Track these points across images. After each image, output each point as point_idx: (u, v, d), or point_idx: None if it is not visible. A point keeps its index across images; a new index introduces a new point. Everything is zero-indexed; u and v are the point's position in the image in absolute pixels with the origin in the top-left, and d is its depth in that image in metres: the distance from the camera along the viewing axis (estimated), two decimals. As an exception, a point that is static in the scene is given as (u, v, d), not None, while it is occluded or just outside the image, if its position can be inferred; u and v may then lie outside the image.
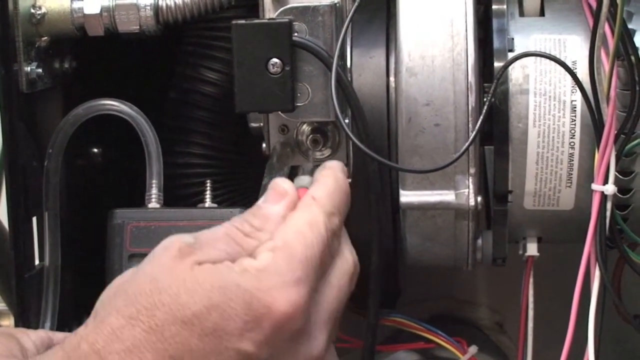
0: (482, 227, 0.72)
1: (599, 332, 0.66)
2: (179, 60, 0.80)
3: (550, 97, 0.67)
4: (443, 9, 0.67)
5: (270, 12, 0.67)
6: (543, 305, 0.74)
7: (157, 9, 0.71)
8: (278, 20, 0.65)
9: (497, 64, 0.67)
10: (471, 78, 0.66)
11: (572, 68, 0.66)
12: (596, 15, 0.63)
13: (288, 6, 0.66)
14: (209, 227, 0.66)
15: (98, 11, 0.71)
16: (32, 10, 0.70)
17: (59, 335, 0.64)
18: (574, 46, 0.68)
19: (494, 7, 0.70)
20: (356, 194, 0.68)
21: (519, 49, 0.68)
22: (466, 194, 0.68)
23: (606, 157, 0.64)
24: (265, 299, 0.53)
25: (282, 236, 0.56)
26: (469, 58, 0.67)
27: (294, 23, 0.66)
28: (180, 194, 0.78)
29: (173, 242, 0.56)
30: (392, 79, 0.69)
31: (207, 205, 0.72)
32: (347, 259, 0.60)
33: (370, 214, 0.67)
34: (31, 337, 0.61)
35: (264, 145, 0.71)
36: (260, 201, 0.60)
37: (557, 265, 0.80)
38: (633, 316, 0.71)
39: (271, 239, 0.57)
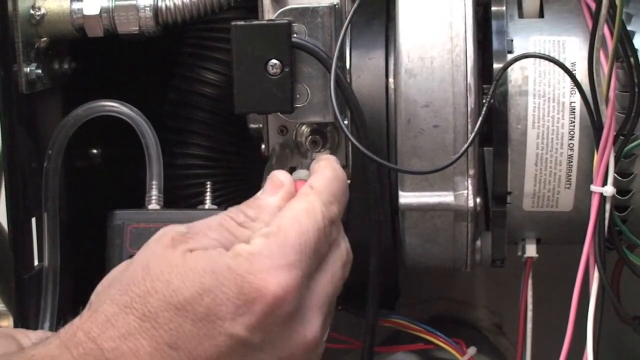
0: (481, 229, 0.72)
1: (598, 333, 0.66)
2: (179, 61, 0.80)
3: (549, 98, 0.67)
4: (442, 10, 0.67)
5: (269, 13, 0.68)
6: (542, 306, 0.74)
7: (156, 10, 0.71)
8: (277, 22, 0.65)
9: (497, 66, 0.67)
10: (470, 79, 0.67)
11: (571, 69, 0.66)
12: (595, 17, 0.63)
13: (287, 7, 0.66)
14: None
15: (97, 12, 0.71)
16: (32, 11, 0.70)
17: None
18: (573, 48, 0.68)
19: (493, 8, 0.70)
20: (355, 195, 0.68)
21: (518, 51, 0.68)
22: (465, 195, 0.68)
23: (605, 158, 0.64)
24: (257, 282, 0.54)
25: (278, 222, 0.57)
26: (468, 59, 0.67)
27: (293, 24, 0.66)
28: (180, 195, 0.78)
29: (166, 232, 0.56)
30: (391, 80, 0.69)
31: (207, 206, 0.72)
32: (340, 247, 0.60)
33: (369, 215, 0.67)
34: (30, 338, 0.61)
35: (263, 146, 0.71)
36: (259, 193, 0.60)
37: (556, 267, 0.80)
38: (632, 317, 0.71)
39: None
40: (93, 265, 0.69)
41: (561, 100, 0.67)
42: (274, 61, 0.65)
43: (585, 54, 0.65)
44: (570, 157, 0.67)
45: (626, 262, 0.68)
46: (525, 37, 0.69)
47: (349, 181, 0.68)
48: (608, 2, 0.62)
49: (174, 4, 0.71)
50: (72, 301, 0.73)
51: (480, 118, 0.65)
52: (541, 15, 0.71)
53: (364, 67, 0.70)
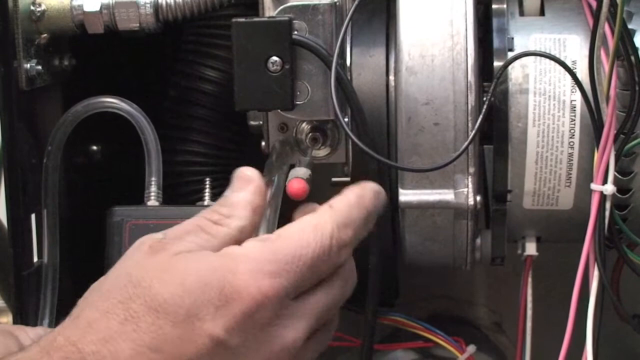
0: (481, 227, 0.72)
1: (597, 331, 0.66)
2: (179, 58, 0.80)
3: (549, 96, 0.67)
4: (443, 8, 0.67)
5: (270, 10, 0.67)
6: (542, 305, 0.74)
7: (157, 6, 0.71)
8: (278, 19, 0.65)
9: (497, 64, 0.67)
10: (471, 77, 0.66)
11: (571, 68, 0.66)
12: (596, 15, 0.63)
13: (288, 4, 0.66)
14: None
15: (98, 9, 0.71)
16: (32, 8, 0.70)
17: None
18: (574, 46, 0.68)
19: (493, 6, 0.70)
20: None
21: (518, 49, 0.68)
22: (465, 193, 0.68)
23: (605, 156, 0.64)
24: (237, 283, 0.53)
25: (281, 231, 0.57)
26: (469, 57, 0.67)
27: (294, 21, 0.66)
28: (179, 192, 0.78)
29: (144, 241, 0.56)
30: (391, 77, 0.69)
31: (206, 203, 0.72)
32: (345, 271, 0.59)
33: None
34: (29, 334, 0.61)
35: (263, 143, 0.71)
36: (227, 191, 0.60)
37: (556, 265, 0.80)
38: (632, 316, 0.71)
39: (242, 223, 0.57)
40: (93, 262, 0.69)
41: (562, 99, 0.67)
42: (274, 58, 0.64)
43: (586, 52, 0.65)
44: (570, 155, 0.67)
45: (626, 261, 0.68)
46: (525, 35, 0.69)
47: (349, 179, 0.68)
48: (609, 0, 0.62)
49: (175, 0, 0.71)
50: (72, 298, 0.73)
51: (481, 116, 0.65)
52: (542, 13, 0.71)
53: (364, 65, 0.70)
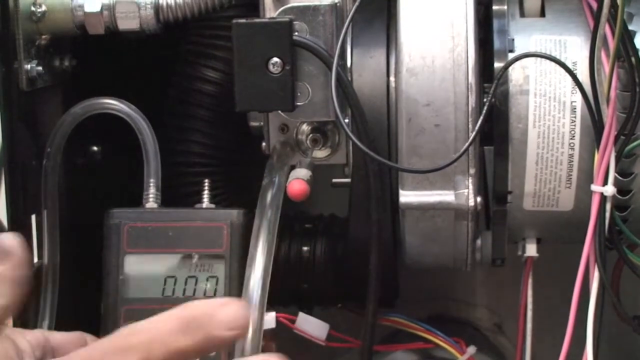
0: (481, 228, 0.72)
1: (597, 333, 0.66)
2: (179, 59, 0.80)
3: (550, 97, 0.67)
4: (444, 9, 0.67)
5: (270, 11, 0.68)
6: (542, 306, 0.74)
7: (157, 7, 0.71)
8: (278, 20, 0.65)
9: (498, 65, 0.67)
10: (471, 78, 0.67)
11: (572, 69, 0.66)
12: (597, 17, 0.63)
13: (288, 5, 0.66)
14: (206, 229, 0.66)
15: (98, 9, 0.71)
16: (33, 8, 0.70)
17: (56, 335, 0.64)
18: (575, 47, 0.68)
19: (494, 7, 0.70)
20: (356, 194, 0.68)
21: (519, 50, 0.68)
22: (466, 194, 0.68)
23: (606, 158, 0.64)
24: None
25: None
26: (470, 59, 0.67)
27: (295, 22, 0.66)
28: (179, 194, 0.78)
29: None
30: (392, 79, 0.69)
31: (204, 205, 0.71)
32: None
33: (369, 214, 0.67)
34: (26, 338, 0.61)
35: (263, 144, 0.71)
36: None
37: (556, 266, 0.80)
38: (632, 317, 0.71)
39: (2, 302, 0.55)
40: (93, 263, 0.69)
41: (562, 100, 0.67)
42: (275, 59, 0.65)
43: (587, 54, 0.65)
44: (570, 156, 0.67)
45: (626, 262, 0.68)
46: (526, 36, 0.69)
47: (349, 180, 0.68)
48: (609, 2, 0.62)
49: (175, 1, 0.71)
50: (72, 299, 0.73)
51: (481, 117, 0.65)
52: (542, 14, 0.71)
53: (365, 66, 0.70)
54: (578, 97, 0.66)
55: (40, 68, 0.69)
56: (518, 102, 0.67)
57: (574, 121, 0.67)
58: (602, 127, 0.64)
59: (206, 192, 0.72)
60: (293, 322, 0.73)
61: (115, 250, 0.67)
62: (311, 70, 0.66)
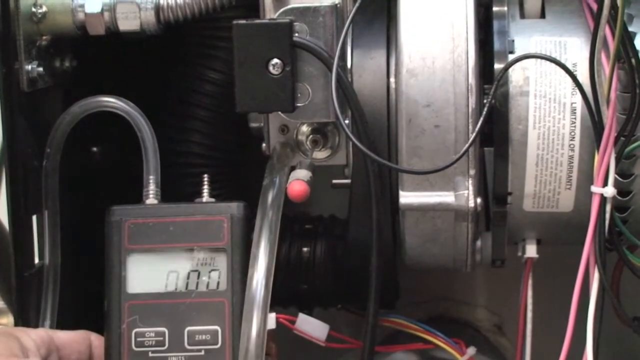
0: (481, 229, 0.72)
1: (597, 333, 0.66)
2: (180, 59, 0.80)
3: (550, 99, 0.67)
4: (444, 10, 0.67)
5: (271, 12, 0.68)
6: (542, 307, 0.74)
7: (158, 8, 0.71)
8: (279, 21, 0.65)
9: (498, 66, 0.67)
10: (471, 80, 0.67)
11: (572, 70, 0.66)
12: (597, 18, 0.63)
13: (289, 6, 0.66)
14: (207, 222, 0.66)
15: (99, 10, 0.71)
16: (34, 9, 0.70)
17: (59, 334, 0.64)
18: (575, 48, 0.68)
19: (494, 8, 0.70)
20: (356, 195, 0.68)
21: (519, 51, 0.68)
22: (466, 195, 0.68)
23: (606, 159, 0.64)
24: None
25: None
26: (470, 60, 0.67)
27: (295, 23, 0.66)
28: (180, 195, 0.78)
29: None
30: (392, 80, 0.70)
31: (204, 199, 0.71)
32: None
33: (369, 215, 0.67)
34: (31, 336, 0.61)
35: (264, 145, 0.71)
36: None
37: (556, 267, 0.80)
38: (632, 318, 0.71)
39: None
40: (94, 263, 0.69)
41: (562, 101, 0.67)
42: (275, 60, 0.65)
43: (587, 55, 0.65)
44: (570, 157, 0.67)
45: (626, 263, 0.68)
46: (526, 38, 0.69)
47: (349, 181, 0.68)
48: (609, 3, 0.62)
49: (176, 2, 0.71)
50: (73, 299, 0.73)
51: (481, 118, 0.65)
52: (542, 15, 0.71)
53: (365, 67, 0.70)
54: (578, 99, 0.66)
55: (40, 69, 0.69)
56: (518, 104, 0.67)
57: (574, 122, 0.67)
58: (602, 129, 0.64)
59: (206, 186, 0.72)
60: (293, 323, 0.73)
61: (117, 247, 0.67)
62: (311, 71, 0.66)
